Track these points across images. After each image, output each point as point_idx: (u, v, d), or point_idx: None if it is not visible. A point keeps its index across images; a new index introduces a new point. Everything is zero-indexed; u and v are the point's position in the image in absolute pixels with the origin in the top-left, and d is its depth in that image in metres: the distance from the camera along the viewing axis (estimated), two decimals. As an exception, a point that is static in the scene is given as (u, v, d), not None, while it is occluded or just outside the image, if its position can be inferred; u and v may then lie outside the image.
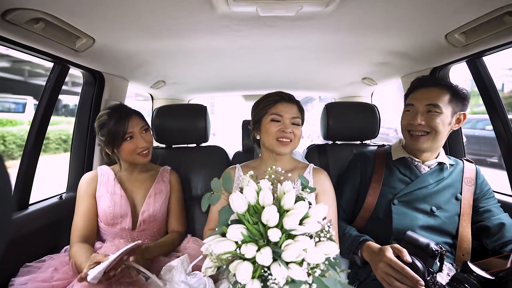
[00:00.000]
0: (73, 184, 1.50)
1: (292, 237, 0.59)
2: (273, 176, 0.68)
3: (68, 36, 1.07)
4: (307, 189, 0.67)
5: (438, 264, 0.89)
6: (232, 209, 0.62)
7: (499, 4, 0.86)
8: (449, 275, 1.01)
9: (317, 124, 1.74)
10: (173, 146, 1.70)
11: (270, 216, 0.58)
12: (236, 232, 0.59)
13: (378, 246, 0.98)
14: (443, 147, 1.19)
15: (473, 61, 1.26)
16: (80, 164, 1.52)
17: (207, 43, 1.28)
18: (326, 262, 0.58)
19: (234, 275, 0.56)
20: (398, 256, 0.88)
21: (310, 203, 0.63)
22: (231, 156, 1.71)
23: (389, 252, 0.90)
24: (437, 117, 1.06)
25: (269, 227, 0.58)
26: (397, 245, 0.91)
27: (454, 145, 1.53)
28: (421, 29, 1.11)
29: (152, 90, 2.16)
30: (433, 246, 0.88)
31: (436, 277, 0.86)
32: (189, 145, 1.71)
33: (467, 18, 0.98)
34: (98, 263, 0.89)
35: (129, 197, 1.25)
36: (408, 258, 0.86)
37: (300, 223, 0.59)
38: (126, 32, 1.12)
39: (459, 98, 1.09)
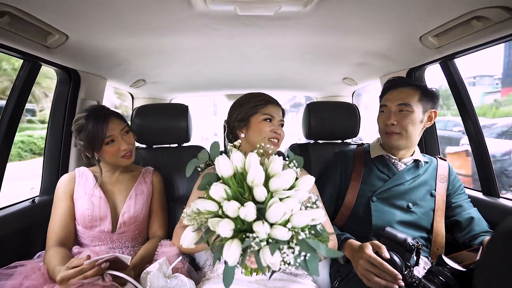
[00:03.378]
0: (47, 187, 1.43)
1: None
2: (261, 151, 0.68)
3: (38, 31, 1.01)
4: (294, 162, 0.67)
5: (415, 258, 0.92)
6: (218, 172, 0.61)
7: (467, 9, 0.91)
8: (425, 269, 1.05)
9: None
10: (154, 146, 1.66)
11: (256, 175, 0.57)
12: (219, 189, 0.58)
13: (358, 243, 1.00)
14: (419, 145, 1.23)
15: (445, 62, 1.31)
16: (55, 166, 1.45)
17: (187, 41, 1.26)
18: (312, 232, 0.58)
19: (213, 233, 0.55)
20: (377, 252, 0.91)
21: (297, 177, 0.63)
22: None
23: (369, 249, 0.92)
24: (408, 116, 1.12)
25: (254, 187, 0.58)
26: (376, 242, 0.94)
27: (429, 143, 1.60)
28: (397, 31, 1.14)
29: (132, 89, 2.10)
30: (410, 241, 0.91)
31: (413, 270, 0.89)
32: (171, 145, 1.68)
33: (439, 22, 1.02)
34: (76, 267, 0.86)
35: (109, 198, 1.21)
36: (386, 254, 0.89)
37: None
38: (102, 29, 1.08)
39: (429, 96, 1.15)
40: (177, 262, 0.99)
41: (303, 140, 1.85)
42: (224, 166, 0.60)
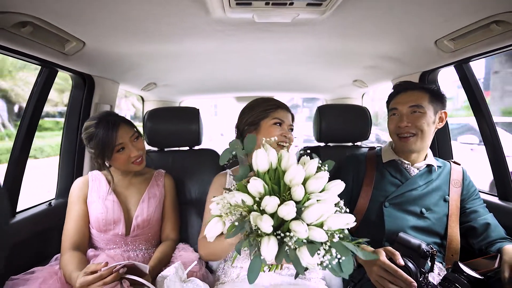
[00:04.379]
0: (62, 190, 1.46)
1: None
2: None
3: (58, 39, 1.04)
4: (325, 165, 0.67)
5: (429, 264, 0.91)
6: (254, 166, 0.61)
7: (487, 14, 0.90)
8: (440, 275, 1.04)
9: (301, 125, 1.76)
10: (165, 149, 1.68)
11: (295, 174, 0.57)
12: (258, 184, 0.57)
13: (371, 249, 0.99)
14: (432, 148, 1.22)
15: (460, 65, 1.30)
16: (70, 170, 1.48)
17: (200, 46, 1.27)
18: (341, 235, 0.58)
19: (251, 229, 0.54)
20: (391, 258, 0.90)
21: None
22: None
23: (383, 256, 0.91)
24: (422, 117, 1.11)
25: (292, 186, 0.58)
26: (390, 248, 0.93)
27: (442, 147, 1.58)
28: (412, 36, 1.13)
29: (143, 92, 2.13)
30: (424, 247, 0.91)
31: (428, 277, 0.89)
32: (182, 148, 1.70)
33: (456, 26, 1.01)
34: (94, 272, 0.88)
35: (122, 202, 1.22)
36: (401, 261, 0.88)
37: None
38: (117, 36, 1.10)
39: (438, 97, 1.15)
40: (193, 266, 1.00)
41: (301, 141, 1.85)
42: (261, 160, 0.61)
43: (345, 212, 0.62)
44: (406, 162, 1.19)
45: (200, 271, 1.10)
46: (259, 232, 0.54)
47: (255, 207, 0.57)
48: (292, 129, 1.19)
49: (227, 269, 1.12)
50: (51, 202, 1.36)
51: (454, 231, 1.14)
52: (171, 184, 1.38)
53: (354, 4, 0.86)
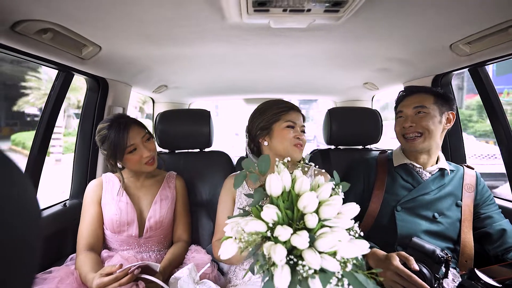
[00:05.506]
0: (76, 191, 1.49)
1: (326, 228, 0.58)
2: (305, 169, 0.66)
3: (75, 44, 1.07)
4: (340, 187, 0.66)
5: (444, 270, 0.90)
6: (267, 190, 0.60)
7: (505, 18, 0.88)
8: (454, 281, 1.03)
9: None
10: (176, 151, 1.70)
11: (309, 202, 0.56)
12: (271, 212, 0.57)
13: (383, 253, 0.99)
14: (444, 153, 1.21)
15: (475, 69, 1.28)
16: (84, 171, 1.51)
17: (213, 50, 1.28)
18: (355, 261, 0.56)
19: (264, 258, 0.54)
20: (405, 263, 0.90)
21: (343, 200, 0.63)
22: (234, 161, 1.72)
23: (396, 261, 0.90)
24: (426, 117, 1.13)
25: (305, 214, 0.57)
26: (403, 253, 0.92)
27: (455, 151, 1.55)
28: (426, 39, 1.13)
29: (154, 94, 2.15)
30: (439, 252, 0.89)
31: (442, 283, 0.88)
32: (192, 150, 1.71)
33: (473, 30, 1.00)
34: (109, 274, 0.90)
35: (135, 203, 1.24)
36: (415, 266, 0.87)
37: None
38: (132, 40, 1.12)
39: (443, 99, 1.15)
40: (206, 268, 1.01)
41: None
42: (275, 185, 0.60)
43: (359, 236, 0.60)
44: (418, 165, 1.18)
45: (212, 273, 1.11)
46: (272, 261, 0.54)
47: (268, 233, 0.56)
48: (304, 131, 1.18)
49: (238, 271, 1.12)
50: (66, 203, 1.39)
51: (468, 236, 1.12)
52: (183, 186, 1.39)
53: (371, 8, 0.85)
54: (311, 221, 0.55)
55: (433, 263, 0.89)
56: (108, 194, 1.23)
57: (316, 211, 0.57)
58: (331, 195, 0.62)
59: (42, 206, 1.26)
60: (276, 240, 0.55)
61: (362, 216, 1.24)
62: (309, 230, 0.55)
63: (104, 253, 1.18)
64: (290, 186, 0.61)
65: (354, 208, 0.62)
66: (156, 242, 1.25)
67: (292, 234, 0.54)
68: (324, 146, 1.80)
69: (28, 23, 0.85)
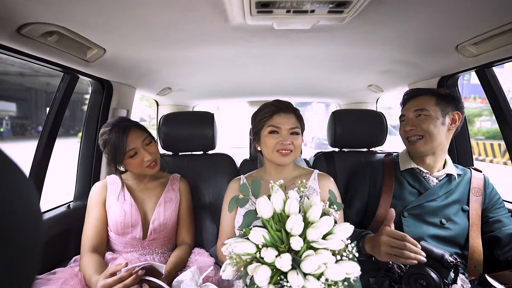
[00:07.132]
0: (80, 193, 1.49)
1: (314, 249, 0.59)
2: (302, 189, 0.68)
3: (80, 47, 1.08)
4: (334, 206, 0.67)
5: (453, 275, 0.88)
6: (258, 213, 0.62)
7: None
8: (463, 287, 1.00)
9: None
10: (180, 153, 1.69)
11: (294, 224, 0.58)
12: (259, 235, 0.59)
13: (373, 234, 0.99)
14: (451, 155, 1.19)
15: (482, 70, 1.26)
16: (88, 173, 1.51)
17: (217, 52, 1.28)
18: (346, 283, 0.57)
19: (251, 278, 0.56)
20: (411, 266, 0.88)
21: (335, 221, 0.62)
22: (238, 164, 1.71)
23: (387, 227, 0.91)
24: (426, 120, 1.12)
25: (292, 235, 0.58)
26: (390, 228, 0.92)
27: (462, 153, 1.53)
28: (432, 40, 1.11)
29: (158, 97, 2.16)
30: (448, 257, 0.88)
31: (451, 289, 0.85)
32: (196, 153, 1.71)
33: (479, 31, 0.98)
34: (113, 274, 0.89)
35: (139, 206, 1.24)
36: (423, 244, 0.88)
37: (323, 238, 0.59)
38: (136, 42, 1.13)
39: (447, 99, 1.14)
40: (209, 271, 1.00)
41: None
42: (264, 209, 0.62)
43: (353, 257, 0.61)
44: (425, 170, 1.17)
45: (215, 276, 1.10)
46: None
47: (257, 254, 0.58)
48: (296, 133, 1.09)
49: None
50: (70, 205, 1.39)
51: (476, 241, 1.10)
52: (186, 188, 1.38)
53: (376, 10, 0.85)
54: (294, 243, 0.57)
55: (442, 268, 0.87)
56: (112, 196, 1.23)
57: (304, 233, 0.59)
58: (325, 214, 0.63)
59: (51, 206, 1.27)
60: (263, 262, 0.57)
61: (369, 218, 1.22)
62: (297, 252, 0.57)
63: (108, 255, 1.18)
64: (281, 208, 0.62)
65: (346, 229, 0.62)
66: (160, 245, 1.24)
67: (276, 256, 0.56)
68: (322, 147, 1.79)
69: (33, 26, 0.86)
